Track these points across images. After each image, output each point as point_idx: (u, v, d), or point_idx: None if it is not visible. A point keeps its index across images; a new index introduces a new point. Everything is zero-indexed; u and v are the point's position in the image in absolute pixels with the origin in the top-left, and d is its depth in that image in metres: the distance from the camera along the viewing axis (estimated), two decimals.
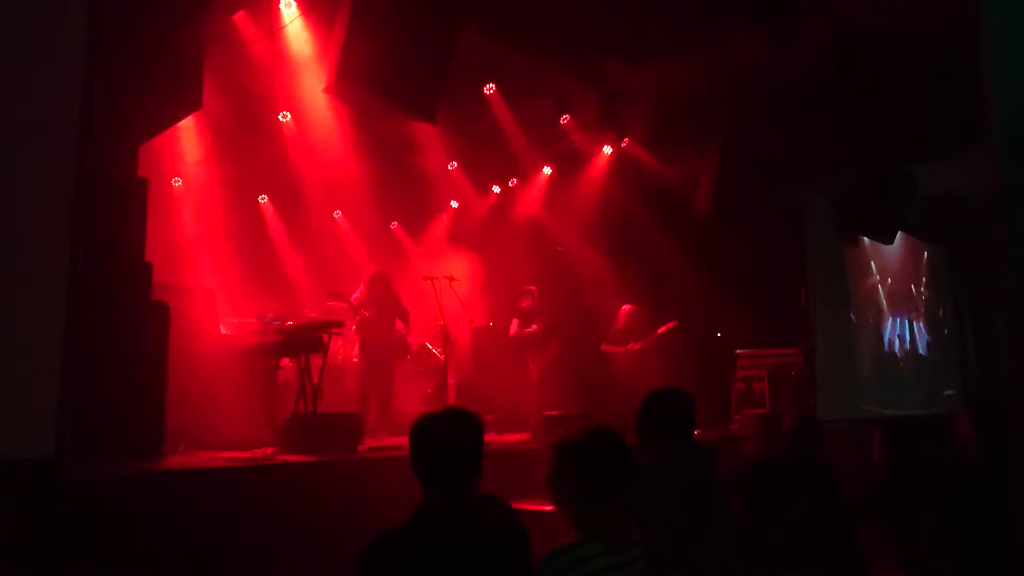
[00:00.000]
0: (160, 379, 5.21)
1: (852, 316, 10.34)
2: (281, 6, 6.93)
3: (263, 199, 10.62)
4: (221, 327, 7.61)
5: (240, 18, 7.00)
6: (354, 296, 7.94)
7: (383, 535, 2.10)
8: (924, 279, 12.49)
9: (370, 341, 7.98)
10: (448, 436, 2.29)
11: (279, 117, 8.69)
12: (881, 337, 11.00)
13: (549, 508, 2.35)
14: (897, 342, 11.37)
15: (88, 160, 4.34)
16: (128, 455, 4.46)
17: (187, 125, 8.20)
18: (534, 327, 8.95)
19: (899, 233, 10.73)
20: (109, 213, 4.91)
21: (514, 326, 9.06)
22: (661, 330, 9.03)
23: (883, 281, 11.29)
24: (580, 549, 2.16)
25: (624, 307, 9.19)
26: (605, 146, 9.98)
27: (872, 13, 7.17)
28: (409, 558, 2.06)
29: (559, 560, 2.14)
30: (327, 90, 6.33)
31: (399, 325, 8.17)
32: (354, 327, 8.09)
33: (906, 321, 11.72)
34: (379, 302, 7.92)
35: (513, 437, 7.75)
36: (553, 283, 10.27)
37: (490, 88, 8.87)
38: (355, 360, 9.37)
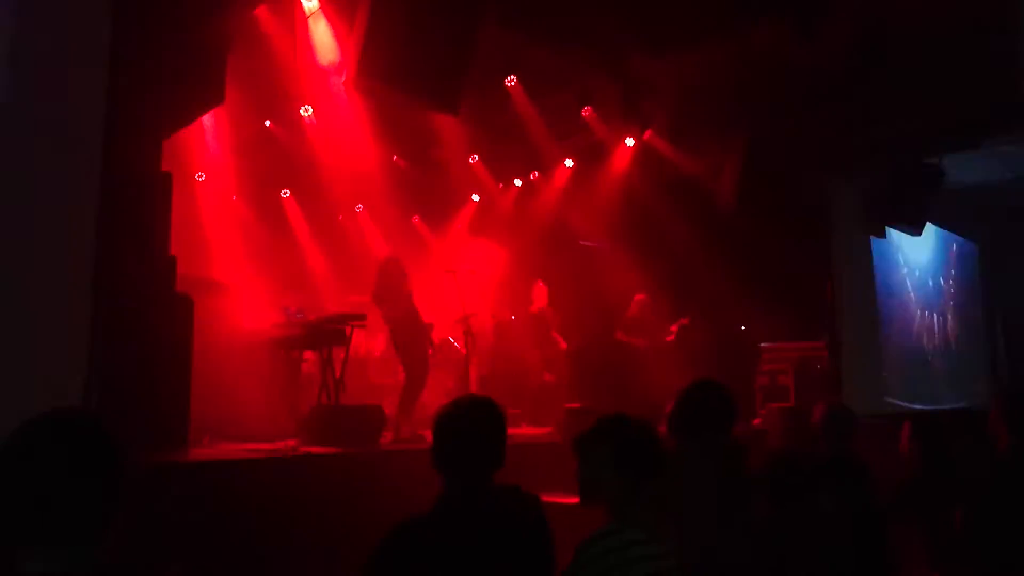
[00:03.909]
0: (185, 371, 5.25)
1: (879, 309, 10.21)
2: (302, 0, 6.94)
3: (285, 193, 10.67)
4: (244, 320, 7.65)
5: (262, 12, 7.02)
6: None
7: (404, 522, 2.10)
8: (953, 272, 12.32)
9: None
10: (470, 425, 2.28)
11: (301, 111, 8.72)
12: (909, 331, 10.86)
13: (573, 500, 2.33)
14: (925, 335, 11.22)
15: (113, 154, 4.38)
16: (153, 446, 4.50)
17: (210, 119, 8.25)
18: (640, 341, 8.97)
19: (927, 225, 10.58)
20: (134, 207, 4.95)
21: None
22: (674, 327, 9.01)
23: (911, 273, 11.14)
24: (620, 535, 2.14)
25: (637, 296, 9.17)
26: (627, 139, 9.90)
27: (898, 2, 7.05)
28: (430, 545, 2.06)
29: (599, 544, 2.13)
30: (348, 83, 6.33)
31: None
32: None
33: (934, 314, 11.57)
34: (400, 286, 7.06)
35: (537, 431, 7.74)
36: (575, 277, 10.24)
37: (511, 80, 8.83)
38: (377, 355, 9.40)
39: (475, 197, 11.48)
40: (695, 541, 2.56)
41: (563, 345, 9.27)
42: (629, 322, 9.14)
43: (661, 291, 9.40)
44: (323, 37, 7.16)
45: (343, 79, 6.38)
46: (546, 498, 2.50)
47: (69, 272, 3.97)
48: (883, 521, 3.56)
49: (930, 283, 11.68)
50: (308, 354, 7.24)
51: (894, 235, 10.58)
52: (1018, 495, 3.26)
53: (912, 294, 11.10)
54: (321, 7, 7.00)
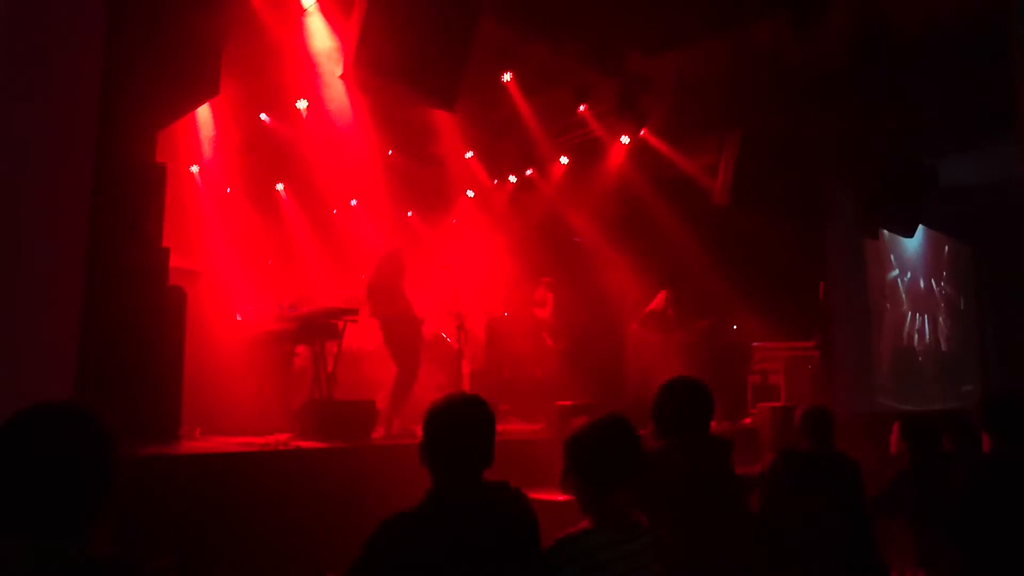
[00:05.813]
0: (177, 364, 5.23)
1: (871, 310, 10.25)
2: None
3: (280, 187, 10.64)
4: (237, 313, 7.63)
5: (258, 4, 6.98)
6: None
7: (393, 517, 2.11)
8: (945, 273, 12.37)
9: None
10: (459, 423, 2.29)
11: (296, 104, 8.68)
12: (900, 331, 10.90)
13: (563, 498, 2.35)
14: (916, 336, 11.27)
15: (107, 145, 4.37)
16: (144, 439, 4.49)
17: (205, 111, 8.22)
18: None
19: (920, 227, 10.62)
20: (127, 198, 4.92)
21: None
22: (702, 324, 9.00)
23: (903, 275, 11.18)
24: (587, 539, 2.16)
25: (662, 291, 9.13)
26: (623, 136, 9.90)
27: (896, 1, 7.06)
28: (418, 540, 2.07)
29: (566, 549, 2.15)
30: (344, 77, 6.31)
31: None
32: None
33: (926, 315, 11.61)
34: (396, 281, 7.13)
35: (528, 427, 7.74)
36: (569, 273, 10.23)
37: (507, 76, 8.81)
38: (370, 349, 9.38)
39: (470, 193, 11.46)
40: (682, 537, 2.57)
41: (549, 343, 9.26)
42: (648, 315, 9.08)
43: (654, 289, 9.39)
44: (320, 30, 7.13)
45: (339, 73, 6.37)
46: (535, 495, 2.51)
47: (61, 263, 3.96)
48: (872, 518, 3.59)
49: (922, 284, 11.72)
50: (301, 348, 7.22)
51: (887, 236, 10.62)
52: (1001, 496, 3.28)
53: (904, 295, 11.14)
54: (318, 0, 6.97)
